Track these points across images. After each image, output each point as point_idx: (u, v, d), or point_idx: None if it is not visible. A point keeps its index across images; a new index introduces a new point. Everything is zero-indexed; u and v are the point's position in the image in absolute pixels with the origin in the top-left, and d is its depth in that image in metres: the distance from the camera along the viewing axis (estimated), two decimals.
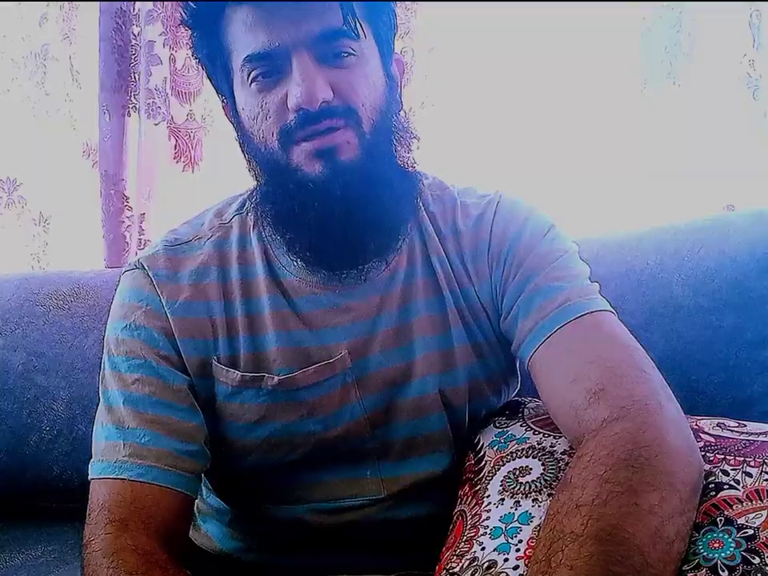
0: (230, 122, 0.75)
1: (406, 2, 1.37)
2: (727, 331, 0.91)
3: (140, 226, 1.49)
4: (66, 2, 1.54)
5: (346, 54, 0.67)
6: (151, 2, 1.43)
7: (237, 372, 0.72)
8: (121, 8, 1.46)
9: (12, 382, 1.17)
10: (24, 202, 1.57)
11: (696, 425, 0.64)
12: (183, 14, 0.72)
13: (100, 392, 0.73)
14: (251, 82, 0.68)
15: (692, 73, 1.29)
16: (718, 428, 0.64)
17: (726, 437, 0.62)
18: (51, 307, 1.21)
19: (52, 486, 1.15)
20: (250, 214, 0.77)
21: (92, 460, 0.69)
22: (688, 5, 1.29)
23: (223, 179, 1.43)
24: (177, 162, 1.49)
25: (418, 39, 1.39)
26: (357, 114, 0.67)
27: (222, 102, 0.77)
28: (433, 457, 0.75)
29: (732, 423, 0.65)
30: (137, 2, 1.46)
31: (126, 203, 1.49)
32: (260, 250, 0.75)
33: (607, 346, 0.65)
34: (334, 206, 0.67)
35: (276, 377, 0.72)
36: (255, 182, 0.76)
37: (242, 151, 0.74)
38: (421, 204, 0.77)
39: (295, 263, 0.73)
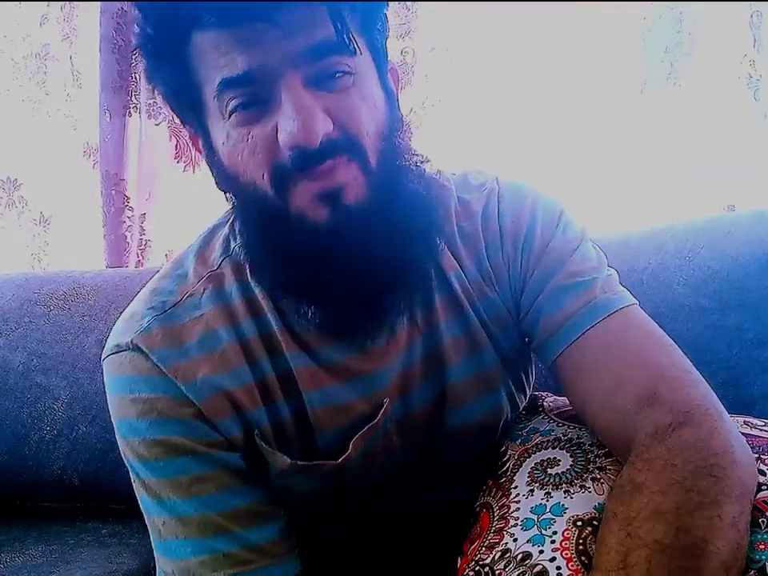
0: (205, 159, 0.63)
1: (407, 2, 1.37)
2: (728, 331, 0.91)
3: (141, 226, 1.49)
4: (67, 2, 1.54)
5: (340, 74, 0.56)
6: None
7: (286, 458, 0.64)
8: (121, 8, 1.46)
9: (12, 382, 1.16)
10: (24, 202, 1.57)
11: None
12: (139, 41, 0.58)
13: (149, 502, 0.62)
14: (230, 115, 0.56)
15: (692, 73, 1.30)
16: (745, 426, 0.62)
17: (756, 435, 0.60)
18: (51, 307, 1.21)
19: (52, 486, 1.14)
20: (240, 254, 0.66)
21: None
22: (688, 5, 1.29)
23: None
24: (177, 162, 1.49)
25: (418, 39, 1.39)
26: (361, 146, 0.57)
27: (190, 132, 0.65)
28: (470, 479, 0.72)
29: (758, 422, 0.63)
30: None
31: (126, 203, 1.49)
32: (267, 299, 0.65)
33: (646, 347, 0.62)
34: (350, 269, 0.57)
35: (330, 462, 0.64)
36: (242, 226, 0.65)
37: (223, 191, 0.64)
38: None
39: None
